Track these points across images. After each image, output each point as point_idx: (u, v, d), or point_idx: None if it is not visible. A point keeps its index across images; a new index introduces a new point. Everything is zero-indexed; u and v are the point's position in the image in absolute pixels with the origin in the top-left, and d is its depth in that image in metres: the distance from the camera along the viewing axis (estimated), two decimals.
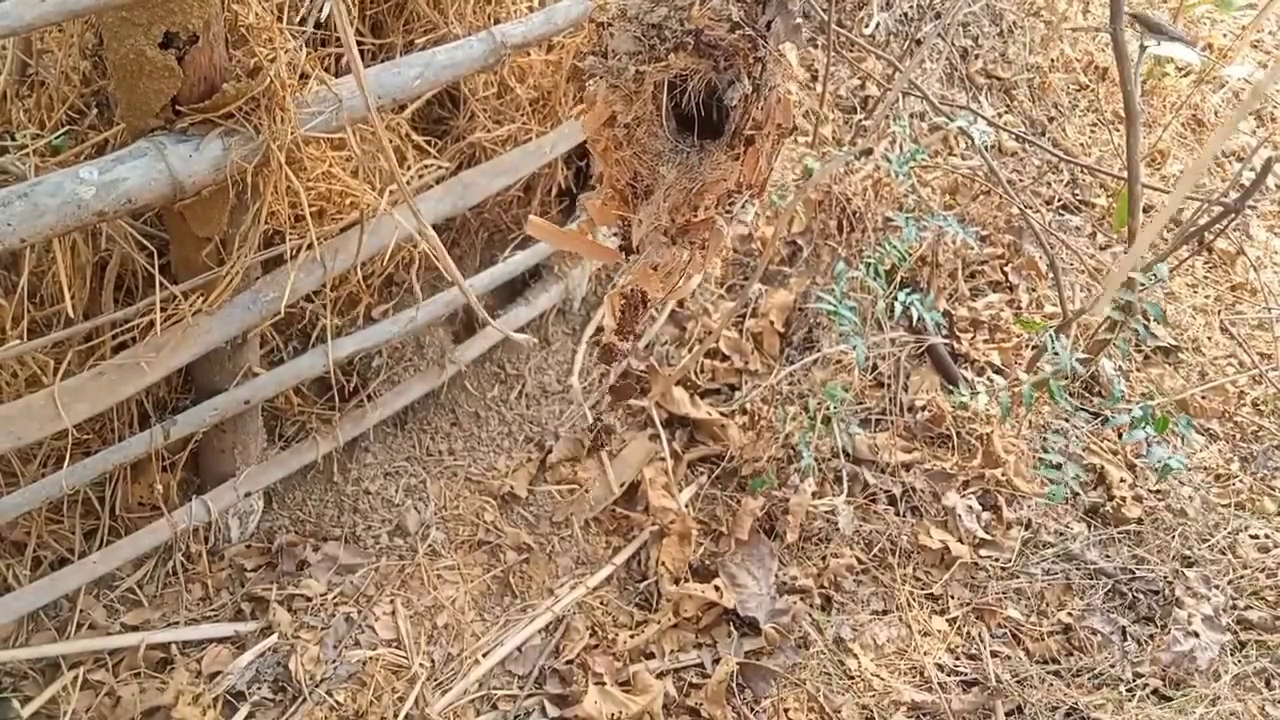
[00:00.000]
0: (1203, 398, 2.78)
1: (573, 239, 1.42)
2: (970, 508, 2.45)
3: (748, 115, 1.16)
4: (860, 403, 2.64)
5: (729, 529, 2.37)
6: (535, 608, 2.26)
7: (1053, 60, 3.66)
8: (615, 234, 1.35)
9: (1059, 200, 3.33)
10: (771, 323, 2.73)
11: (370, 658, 2.11)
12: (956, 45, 3.50)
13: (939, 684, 2.17)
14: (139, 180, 1.53)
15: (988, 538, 2.42)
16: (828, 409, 2.41)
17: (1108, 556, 2.42)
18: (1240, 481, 2.62)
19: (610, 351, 1.48)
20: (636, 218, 1.27)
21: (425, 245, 2.13)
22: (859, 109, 3.28)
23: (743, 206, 1.26)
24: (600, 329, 2.76)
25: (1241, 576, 2.40)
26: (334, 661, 2.10)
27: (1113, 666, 2.22)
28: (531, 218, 1.46)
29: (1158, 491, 2.56)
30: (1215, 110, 3.72)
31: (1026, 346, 2.81)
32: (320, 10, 1.67)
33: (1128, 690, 2.18)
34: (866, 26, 3.36)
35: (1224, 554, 2.44)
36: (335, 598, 2.20)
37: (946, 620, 2.30)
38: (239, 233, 1.78)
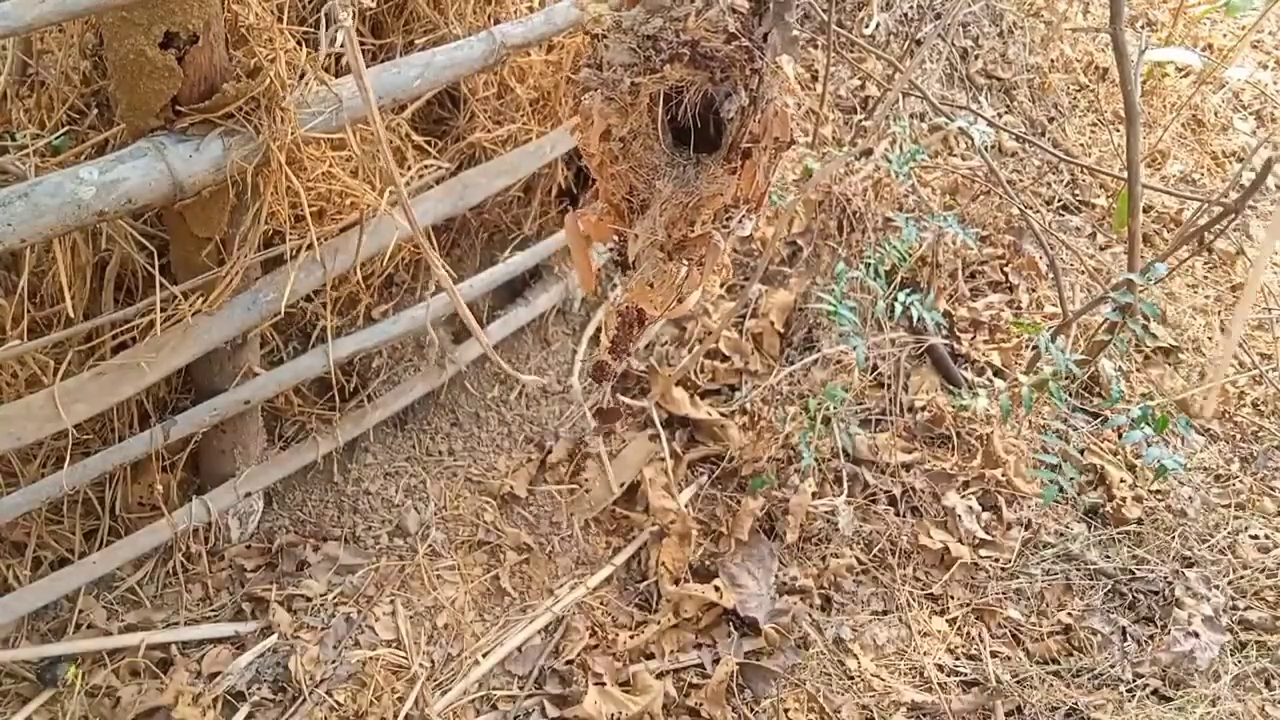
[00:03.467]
0: (1203, 398, 2.78)
1: (582, 253, 1.40)
2: (970, 508, 2.45)
3: (744, 128, 1.15)
4: (860, 403, 2.64)
5: (729, 529, 2.37)
6: (535, 608, 2.26)
7: (1053, 61, 3.66)
8: (611, 249, 1.33)
9: (1059, 201, 3.33)
10: (771, 323, 2.72)
11: (370, 658, 2.11)
12: (956, 46, 3.50)
13: (939, 684, 2.17)
14: (139, 180, 1.53)
15: (988, 538, 2.42)
16: (828, 409, 2.41)
17: (1108, 557, 2.42)
18: (1240, 482, 2.62)
19: (603, 369, 1.46)
20: (633, 233, 1.26)
21: (427, 251, 2.13)
22: (859, 109, 3.28)
23: (740, 221, 1.25)
24: (600, 329, 2.76)
25: (1242, 577, 2.40)
26: (334, 662, 2.10)
27: (1113, 667, 2.22)
28: (572, 212, 1.41)
29: (1158, 492, 2.56)
30: (1215, 111, 3.72)
31: (1026, 347, 2.81)
32: (333, 38, 1.68)
33: (1128, 690, 2.18)
34: (866, 27, 3.36)
35: (1224, 554, 2.44)
36: (335, 598, 2.20)
37: (946, 620, 2.30)
38: (239, 233, 1.78)
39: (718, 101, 1.13)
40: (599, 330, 2.77)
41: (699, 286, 1.31)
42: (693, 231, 1.23)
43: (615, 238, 1.30)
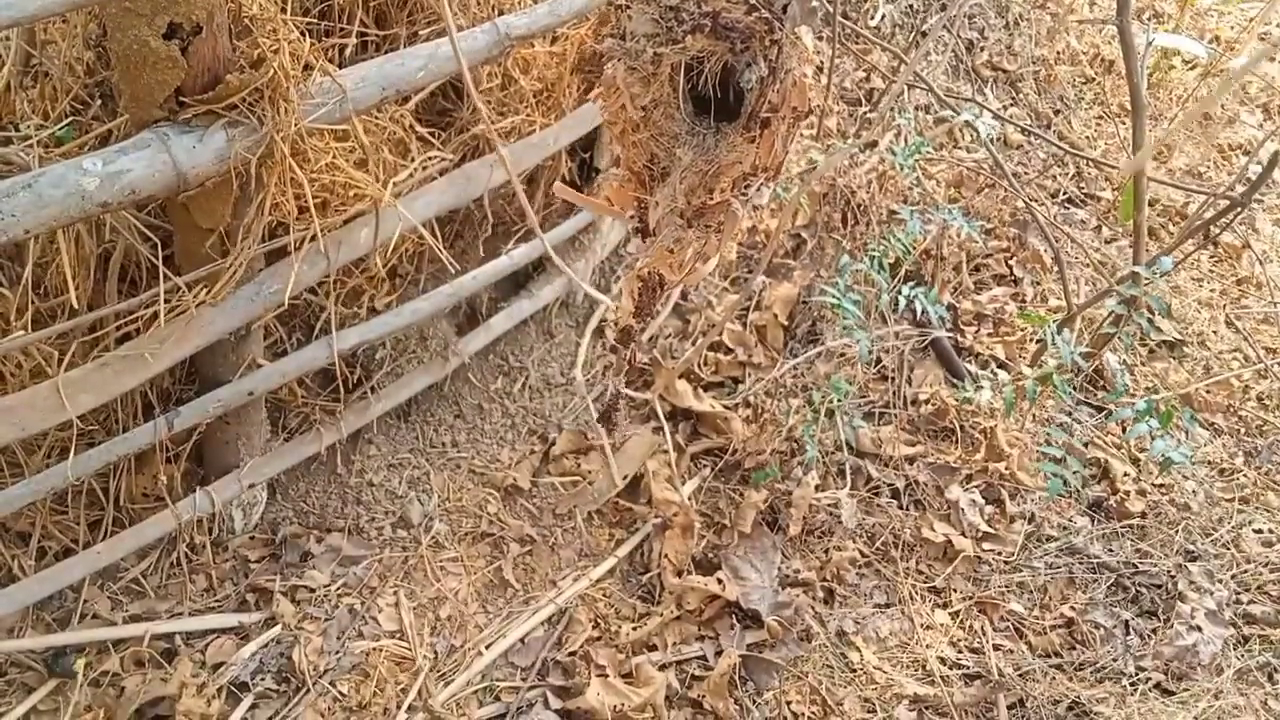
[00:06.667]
0: (1207, 392, 2.78)
1: (594, 203, 1.44)
2: (973, 501, 2.45)
3: (763, 98, 1.17)
4: (864, 396, 2.63)
5: (732, 522, 2.37)
6: (538, 600, 2.26)
7: (1059, 53, 3.65)
8: (632, 216, 1.35)
9: (1064, 193, 3.32)
10: (775, 316, 2.72)
11: (373, 649, 2.12)
12: (962, 38, 3.49)
13: (941, 677, 2.17)
14: (142, 172, 1.53)
15: (990, 531, 2.42)
16: (831, 402, 2.41)
17: (1111, 550, 2.42)
18: (1244, 476, 2.61)
19: (627, 334, 1.49)
20: (653, 200, 1.28)
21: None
22: (864, 101, 3.27)
23: (758, 190, 1.26)
24: (605, 321, 2.76)
25: (1245, 571, 2.40)
26: (337, 653, 2.10)
27: (1115, 660, 2.22)
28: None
29: (1161, 486, 2.55)
30: (1222, 103, 3.71)
31: (1031, 340, 2.80)
32: None
33: (1130, 684, 2.18)
34: (872, 18, 3.35)
35: (1227, 548, 2.44)
36: (339, 589, 2.20)
37: (949, 613, 2.30)
38: (242, 224, 1.78)
39: (738, 71, 1.15)
40: (602, 322, 2.76)
41: (717, 252, 1.32)
42: (712, 199, 1.25)
43: (636, 204, 1.31)
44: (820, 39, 3.07)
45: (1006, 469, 2.51)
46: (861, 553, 2.37)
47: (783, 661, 2.18)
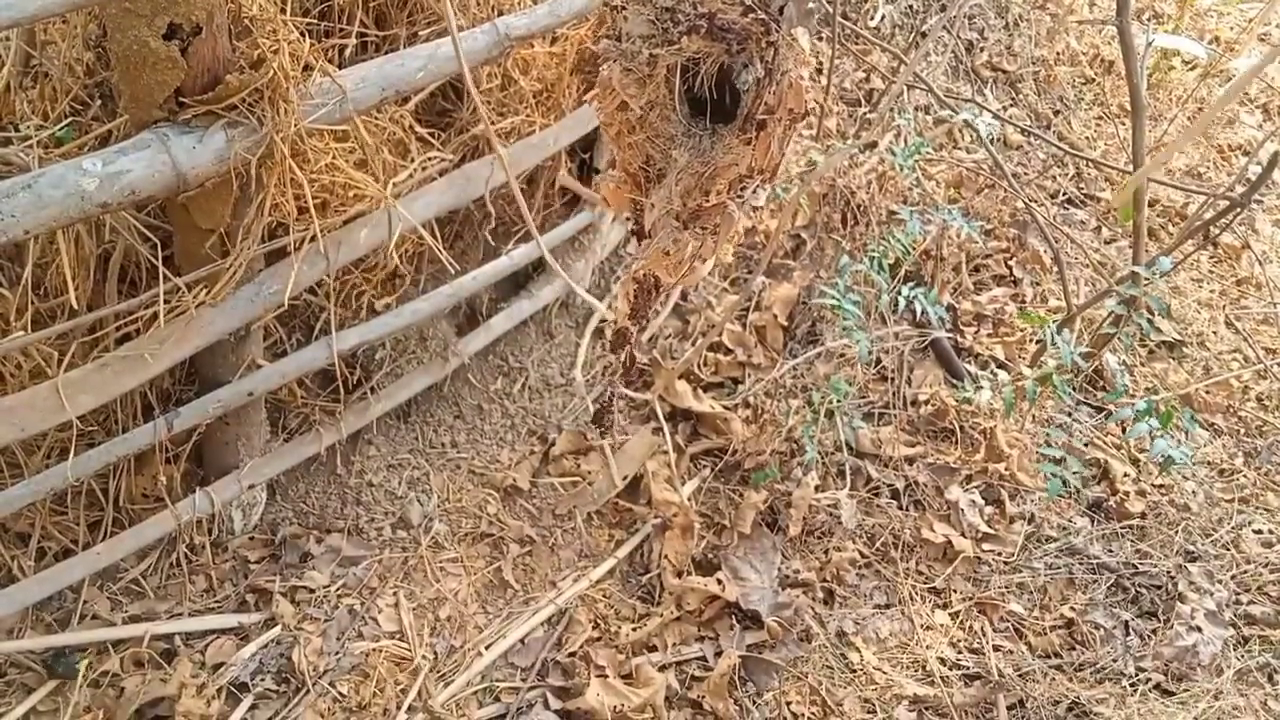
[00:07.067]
0: (1207, 392, 2.78)
1: (599, 196, 1.46)
2: (973, 502, 2.45)
3: (760, 99, 1.16)
4: (863, 396, 2.63)
5: (731, 522, 2.37)
6: (538, 600, 2.26)
7: (1058, 53, 3.65)
8: (628, 219, 1.35)
9: (1064, 194, 3.32)
10: (775, 316, 2.72)
11: (373, 649, 2.12)
12: (962, 38, 3.49)
13: (941, 678, 2.17)
14: (142, 172, 1.53)
15: (990, 532, 2.42)
16: (831, 403, 2.41)
17: (1111, 551, 2.42)
18: (1244, 476, 2.61)
19: (623, 336, 1.49)
20: (649, 202, 1.27)
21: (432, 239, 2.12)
22: (864, 102, 3.27)
23: (754, 192, 1.26)
24: (604, 321, 2.76)
25: (1245, 571, 2.40)
26: (337, 653, 2.10)
27: (1115, 661, 2.22)
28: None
29: (1161, 486, 2.55)
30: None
31: (1030, 340, 2.80)
32: None
33: (1130, 685, 2.18)
34: (871, 19, 3.35)
35: (1227, 549, 2.44)
36: (338, 590, 2.20)
37: (949, 614, 2.30)
38: (242, 225, 1.78)
39: (734, 73, 1.14)
40: (602, 322, 2.77)
41: (713, 255, 1.32)
42: (708, 201, 1.25)
43: (632, 206, 1.31)
44: (820, 39, 3.07)
45: (1006, 469, 2.51)
46: (861, 553, 2.37)
47: (782, 662, 2.18)
